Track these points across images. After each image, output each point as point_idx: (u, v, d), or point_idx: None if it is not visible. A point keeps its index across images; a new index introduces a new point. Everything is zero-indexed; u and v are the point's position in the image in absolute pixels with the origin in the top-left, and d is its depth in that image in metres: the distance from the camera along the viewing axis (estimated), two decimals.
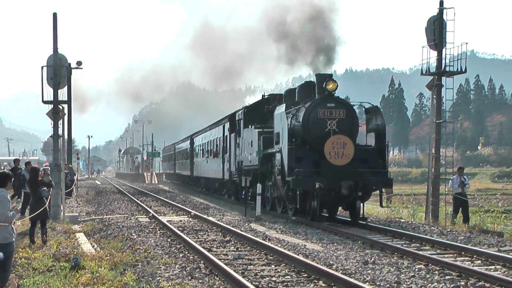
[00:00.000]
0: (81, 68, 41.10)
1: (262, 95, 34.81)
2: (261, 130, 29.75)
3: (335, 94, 25.06)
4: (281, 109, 26.11)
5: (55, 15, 26.40)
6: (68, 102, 31.64)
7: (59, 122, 26.63)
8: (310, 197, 23.95)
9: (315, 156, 24.29)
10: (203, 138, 52.49)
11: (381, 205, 26.54)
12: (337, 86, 24.75)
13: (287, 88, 31.65)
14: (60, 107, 26.49)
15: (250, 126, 31.77)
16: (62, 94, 26.46)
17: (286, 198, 25.33)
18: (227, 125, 39.42)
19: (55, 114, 26.34)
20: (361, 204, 24.14)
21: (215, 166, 44.10)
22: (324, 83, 24.73)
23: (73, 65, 40.36)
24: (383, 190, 26.58)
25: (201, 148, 53.66)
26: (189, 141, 62.76)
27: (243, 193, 32.46)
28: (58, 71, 25.97)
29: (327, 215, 25.75)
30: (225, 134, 40.13)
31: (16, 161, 32.21)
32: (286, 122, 25.05)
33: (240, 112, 34.96)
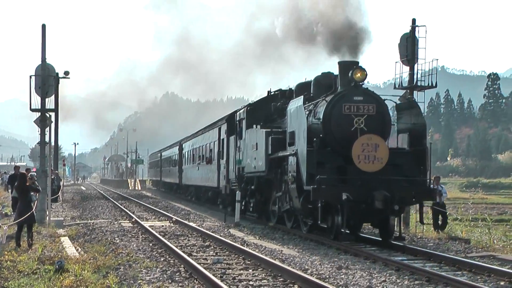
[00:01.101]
0: (69, 78, 41.63)
1: (268, 91, 30.04)
2: (269, 130, 25.38)
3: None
4: (297, 102, 21.75)
5: (44, 26, 26.99)
6: (55, 110, 31.91)
7: (46, 130, 27.12)
8: (334, 211, 19.71)
9: (339, 160, 20.32)
10: (194, 143, 48.69)
11: (421, 222, 21.21)
12: (366, 75, 20.78)
13: (298, 83, 26.20)
14: (47, 115, 26.99)
15: (254, 126, 26.89)
16: (50, 102, 26.91)
17: (303, 211, 21.21)
18: (224, 127, 35.10)
19: (43, 122, 26.88)
20: (396, 220, 20.67)
21: (208, 174, 39.95)
22: (350, 72, 20.61)
23: (61, 74, 40.91)
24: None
25: (191, 154, 49.80)
26: (177, 147, 58.97)
27: (243, 203, 28.76)
28: (46, 81, 26.45)
29: (348, 231, 20.28)
30: (221, 138, 36.03)
31: (16, 168, 34.81)
32: (305, 118, 20.69)
33: (241, 111, 30.44)
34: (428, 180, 20.73)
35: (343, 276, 13.84)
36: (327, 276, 13.66)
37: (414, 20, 26.49)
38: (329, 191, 19.22)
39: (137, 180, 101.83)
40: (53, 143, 36.70)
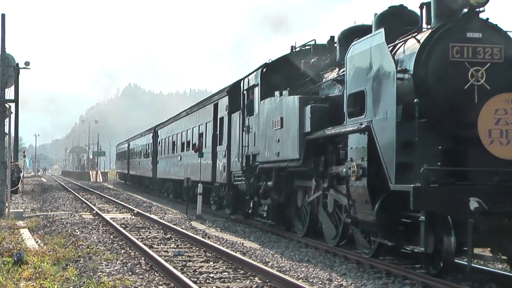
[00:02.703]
0: (29, 68, 41.17)
1: (292, 47, 21.97)
2: (305, 96, 17.55)
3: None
4: (371, 41, 13.65)
5: (3, 16, 26.69)
6: (15, 101, 31.67)
7: (5, 121, 26.83)
8: (442, 227, 11.81)
9: (445, 139, 12.73)
10: (174, 128, 40.91)
11: None
12: None
13: (343, 30, 17.78)
14: (7, 106, 26.69)
15: (277, 94, 19.04)
16: (9, 93, 26.66)
17: (379, 227, 13.30)
18: (223, 102, 27.28)
19: (2, 113, 26.53)
20: None
21: (197, 165, 31.70)
22: None
23: (21, 65, 40.45)
24: None
25: (169, 142, 42.10)
26: (151, 134, 51.47)
27: (251, 206, 22.72)
28: (6, 71, 26.18)
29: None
30: (218, 117, 28.19)
31: None
32: (392, 62, 12.72)
33: (252, 75, 22.39)
34: None
35: (303, 269, 13.90)
36: (288, 269, 13.71)
37: None
38: (447, 194, 11.64)
39: (99, 172, 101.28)
40: (13, 134, 36.23)
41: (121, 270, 13.15)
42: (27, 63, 40.99)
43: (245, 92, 23.22)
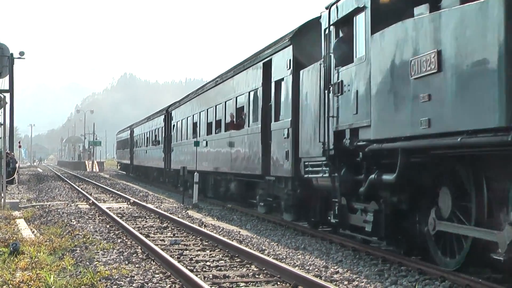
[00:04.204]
0: (24, 58, 41.12)
1: None
2: None
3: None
4: None
5: None
6: (10, 91, 31.63)
7: (0, 111, 26.80)
8: None
9: None
10: (195, 106, 33.18)
11: None
12: None
13: None
14: (2, 96, 26.64)
15: (424, 10, 11.49)
16: (4, 83, 26.65)
17: None
18: (281, 58, 19.57)
19: None
20: None
21: (233, 152, 24.58)
22: None
23: (16, 55, 40.38)
24: None
25: (189, 123, 34.54)
26: (162, 117, 44.25)
27: (336, 212, 15.01)
28: (0, 61, 26.16)
29: None
30: (272, 81, 20.44)
31: None
32: None
33: None
34: None
35: (300, 256, 13.92)
36: (284, 257, 13.72)
37: None
38: None
39: (95, 162, 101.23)
40: (8, 125, 36.21)
41: (117, 259, 13.15)
42: (21, 53, 40.93)
43: (331, 29, 15.08)
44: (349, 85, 14.16)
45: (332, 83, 14.93)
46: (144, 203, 27.14)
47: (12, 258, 13.20)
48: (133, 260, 13.21)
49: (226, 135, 25.74)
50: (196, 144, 29.35)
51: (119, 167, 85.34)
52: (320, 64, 15.77)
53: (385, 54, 12.42)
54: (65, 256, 13.44)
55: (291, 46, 18.82)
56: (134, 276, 11.32)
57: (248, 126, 22.96)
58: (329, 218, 15.81)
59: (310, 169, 16.60)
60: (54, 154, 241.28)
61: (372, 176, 13.12)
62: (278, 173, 19.60)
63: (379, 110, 12.65)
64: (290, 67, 18.74)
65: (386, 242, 14.01)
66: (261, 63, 21.79)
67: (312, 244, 15.84)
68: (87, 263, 12.70)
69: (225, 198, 27.51)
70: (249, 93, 23.07)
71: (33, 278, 11.00)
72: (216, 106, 28.11)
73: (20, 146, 58.25)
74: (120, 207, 26.12)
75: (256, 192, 22.90)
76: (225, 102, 26.40)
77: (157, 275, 11.56)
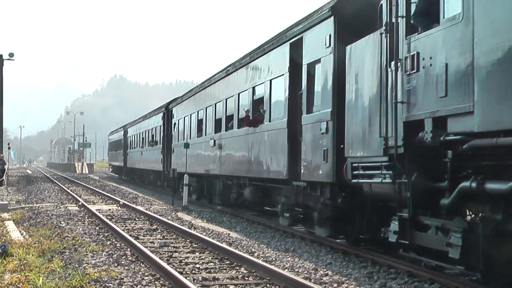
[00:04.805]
0: (13, 60, 41.06)
1: None
2: None
3: None
4: None
5: None
6: (0, 92, 31.54)
7: None
8: None
9: None
10: (200, 101, 29.03)
11: None
12: None
13: None
14: None
15: None
16: None
17: None
18: (317, 34, 15.84)
19: None
20: None
21: (251, 153, 20.78)
22: None
23: (5, 56, 40.36)
24: None
25: (193, 121, 30.49)
26: (160, 115, 40.66)
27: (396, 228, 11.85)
28: None
29: None
30: (303, 64, 16.61)
31: None
32: None
33: None
34: None
35: (289, 258, 13.92)
36: (274, 259, 13.71)
37: None
38: None
39: (85, 163, 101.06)
40: None
41: (106, 262, 13.12)
42: (11, 55, 40.90)
43: None
44: (431, 58, 10.61)
45: (401, 57, 11.52)
46: (133, 205, 27.10)
47: (0, 260, 13.14)
48: (123, 262, 13.18)
49: (239, 133, 22.18)
50: (186, 146, 29.16)
51: (111, 170, 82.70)
52: (381, 34, 12.20)
53: (505, 5, 8.82)
54: (54, 258, 13.39)
55: (331, 18, 14.97)
56: (123, 279, 11.30)
57: (269, 121, 19.20)
58: (383, 235, 12.87)
59: (361, 172, 13.02)
60: (43, 155, 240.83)
61: (467, 183, 9.75)
62: (312, 178, 15.80)
63: (491, 89, 8.98)
64: (330, 44, 14.93)
65: (480, 275, 9.99)
66: (287, 44, 17.80)
67: (302, 247, 15.85)
68: (76, 265, 12.66)
69: (236, 205, 24.45)
70: (270, 81, 19.29)
71: (22, 280, 10.97)
72: (226, 100, 24.40)
73: (9, 148, 58.06)
74: (109, 209, 26.07)
75: (278, 200, 19.03)
76: (239, 95, 22.68)
77: (147, 278, 11.54)
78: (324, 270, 12.58)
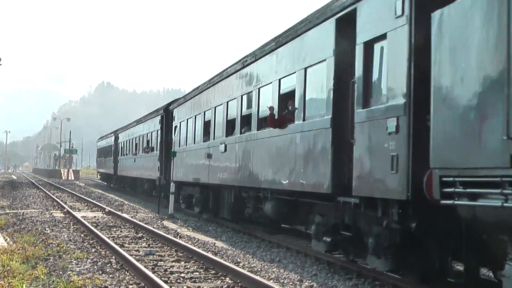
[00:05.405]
0: (0, 64, 40.95)
1: None
2: None
3: None
4: None
5: None
6: None
7: None
8: None
9: None
10: (211, 99, 24.91)
11: None
12: None
13: None
14: None
15: None
16: None
17: None
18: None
19: None
20: None
21: (282, 157, 16.52)
22: None
23: None
24: None
25: (199, 124, 26.47)
26: (158, 118, 36.96)
27: None
28: None
29: None
30: (357, 43, 12.71)
31: None
32: None
33: None
34: None
35: (274, 269, 13.89)
36: (259, 269, 13.68)
37: None
38: None
39: (70, 170, 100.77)
40: None
41: (91, 269, 13.06)
42: None
43: None
44: None
45: None
46: (119, 213, 27.02)
47: None
48: (107, 270, 13.12)
49: (260, 135, 18.39)
50: (173, 154, 28.98)
51: (99, 177, 78.48)
52: None
53: None
54: (38, 265, 13.32)
55: None
56: (108, 287, 11.27)
57: (303, 120, 15.30)
58: (483, 275, 11.18)
59: (460, 190, 9.07)
60: (29, 161, 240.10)
61: None
62: (371, 193, 11.95)
63: None
64: (403, 13, 11.16)
65: None
66: (332, 21, 14.01)
67: (287, 257, 15.83)
68: (61, 272, 12.61)
69: (251, 221, 21.23)
70: (305, 70, 15.43)
71: (5, 287, 10.89)
72: (242, 97, 20.65)
73: None
74: (95, 216, 25.96)
75: (310, 219, 15.56)
76: (259, 90, 18.88)
77: (131, 286, 11.50)
78: (310, 281, 12.56)
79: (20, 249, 15.43)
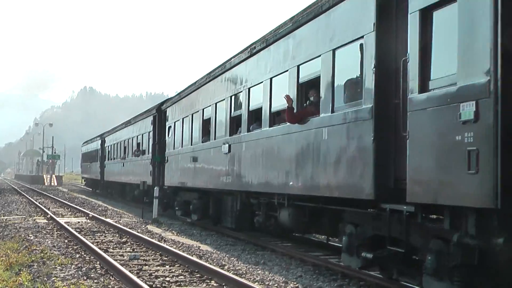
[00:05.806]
0: None
1: None
2: None
3: None
4: None
5: None
6: None
7: None
8: None
9: None
10: (212, 94, 22.38)
11: None
12: None
13: None
14: None
15: None
16: None
17: None
18: None
19: None
20: None
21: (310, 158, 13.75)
22: None
23: None
24: None
25: (199, 121, 23.74)
26: (150, 118, 34.62)
27: None
28: None
29: None
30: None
31: None
32: None
33: None
34: None
35: (259, 271, 13.89)
36: (244, 272, 13.68)
37: None
38: None
39: (53, 176, 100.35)
40: None
41: (75, 275, 13.00)
42: None
43: None
44: None
45: None
46: (103, 218, 26.93)
47: None
48: (92, 275, 13.07)
49: (275, 132, 15.94)
50: (156, 159, 28.84)
51: (84, 183, 75.47)
52: None
53: None
54: (22, 272, 13.24)
55: None
56: None
57: (332, 112, 12.83)
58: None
59: None
60: (11, 167, 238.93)
61: None
62: (436, 199, 9.30)
63: None
64: None
65: None
66: None
67: (272, 259, 15.84)
68: (45, 278, 12.54)
69: (262, 230, 19.51)
70: (333, 52, 12.96)
71: None
72: (249, 89, 18.13)
73: None
74: (78, 222, 25.87)
75: (340, 229, 13.56)
76: (271, 80, 16.43)
77: None
78: (295, 283, 12.57)
79: (3, 256, 15.35)
